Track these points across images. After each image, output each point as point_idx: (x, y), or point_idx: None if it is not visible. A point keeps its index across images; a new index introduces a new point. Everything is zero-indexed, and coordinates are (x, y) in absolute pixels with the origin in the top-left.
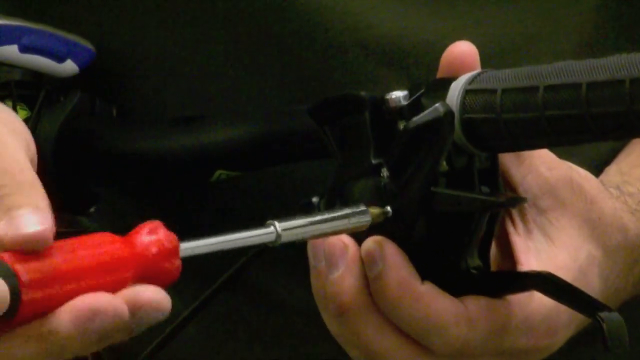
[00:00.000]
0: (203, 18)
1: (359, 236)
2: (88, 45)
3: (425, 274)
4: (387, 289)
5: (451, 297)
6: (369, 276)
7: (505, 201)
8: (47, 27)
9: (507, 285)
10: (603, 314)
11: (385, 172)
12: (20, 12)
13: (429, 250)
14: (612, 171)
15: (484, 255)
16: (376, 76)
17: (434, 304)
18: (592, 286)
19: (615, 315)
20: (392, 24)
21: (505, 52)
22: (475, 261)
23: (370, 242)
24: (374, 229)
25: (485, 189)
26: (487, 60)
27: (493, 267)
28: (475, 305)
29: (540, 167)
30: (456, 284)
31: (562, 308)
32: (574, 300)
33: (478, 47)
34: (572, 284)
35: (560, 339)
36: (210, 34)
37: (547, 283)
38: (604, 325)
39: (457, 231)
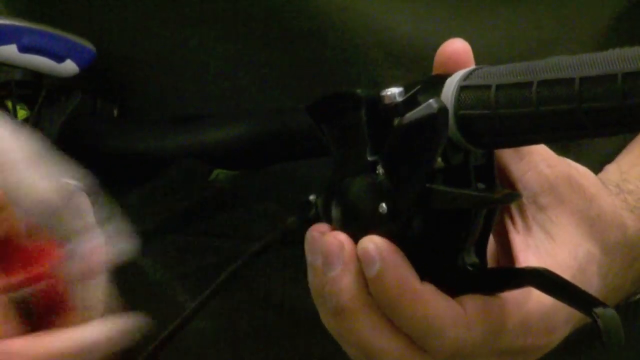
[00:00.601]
0: (214, 17)
1: (355, 235)
2: (88, 45)
3: (421, 271)
4: (386, 288)
5: (449, 299)
6: (367, 276)
7: (501, 197)
8: (46, 27)
9: (504, 282)
10: (598, 310)
11: (381, 169)
12: (20, 12)
13: (425, 248)
14: (611, 169)
15: (481, 252)
16: (393, 77)
17: (432, 304)
18: (590, 284)
19: (610, 311)
20: (409, 25)
21: (521, 56)
22: (471, 258)
23: (367, 241)
24: (370, 226)
25: (481, 185)
26: (503, 63)
27: (492, 265)
28: (473, 306)
29: (539, 164)
30: (453, 280)
31: (560, 306)
32: (570, 297)
33: (495, 50)
34: (572, 281)
35: (557, 337)
36: (221, 33)
37: (543, 279)
38: (600, 321)
39: (454, 228)
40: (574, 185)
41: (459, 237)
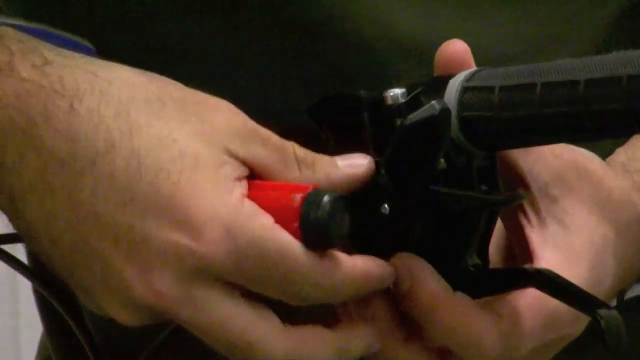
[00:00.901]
0: (215, 12)
1: (358, 236)
2: (87, 45)
3: None
4: (419, 303)
5: (484, 307)
6: (400, 293)
7: (503, 199)
8: (46, 27)
9: (506, 283)
10: (601, 312)
11: (383, 170)
12: (21, 12)
13: (428, 249)
14: (619, 151)
15: (483, 253)
16: (398, 70)
17: (467, 314)
18: (607, 268)
19: (613, 313)
20: (415, 19)
21: (525, 53)
22: (473, 259)
23: (395, 259)
24: (372, 227)
25: (484, 187)
26: (512, 60)
27: (507, 264)
28: (508, 312)
29: (547, 156)
30: (455, 282)
31: None
32: (572, 298)
33: (499, 46)
34: (591, 267)
35: (583, 323)
36: (223, 29)
37: (545, 280)
38: (602, 323)
39: (456, 229)
40: (581, 170)
41: (461, 239)
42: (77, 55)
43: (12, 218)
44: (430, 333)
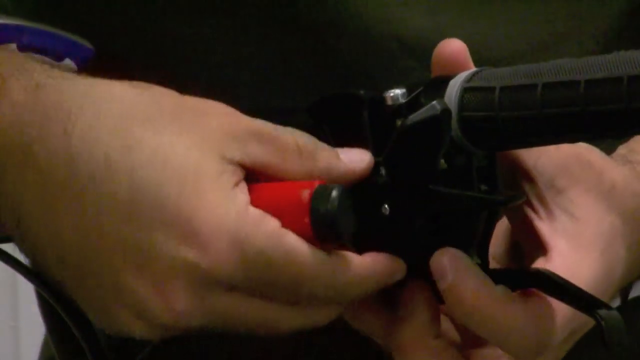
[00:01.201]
0: (223, 8)
1: (358, 236)
2: (86, 44)
3: (423, 273)
4: (462, 296)
5: (526, 299)
6: (441, 288)
7: (503, 199)
8: (46, 26)
9: (506, 283)
10: (602, 312)
11: (383, 170)
12: (19, 11)
13: (427, 249)
14: (620, 146)
15: (483, 253)
16: (407, 68)
17: (510, 306)
18: (619, 257)
19: (613, 313)
20: (423, 18)
21: (533, 50)
22: (474, 259)
23: (438, 254)
24: (373, 227)
25: (483, 187)
26: (518, 58)
27: (515, 265)
28: (541, 303)
29: (549, 149)
30: None
31: (596, 284)
32: (573, 298)
33: (507, 44)
34: (602, 255)
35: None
36: (232, 24)
37: (545, 281)
38: (603, 323)
39: (456, 229)
40: (583, 162)
41: (461, 239)
42: (67, 75)
43: (19, 240)
44: (472, 326)
